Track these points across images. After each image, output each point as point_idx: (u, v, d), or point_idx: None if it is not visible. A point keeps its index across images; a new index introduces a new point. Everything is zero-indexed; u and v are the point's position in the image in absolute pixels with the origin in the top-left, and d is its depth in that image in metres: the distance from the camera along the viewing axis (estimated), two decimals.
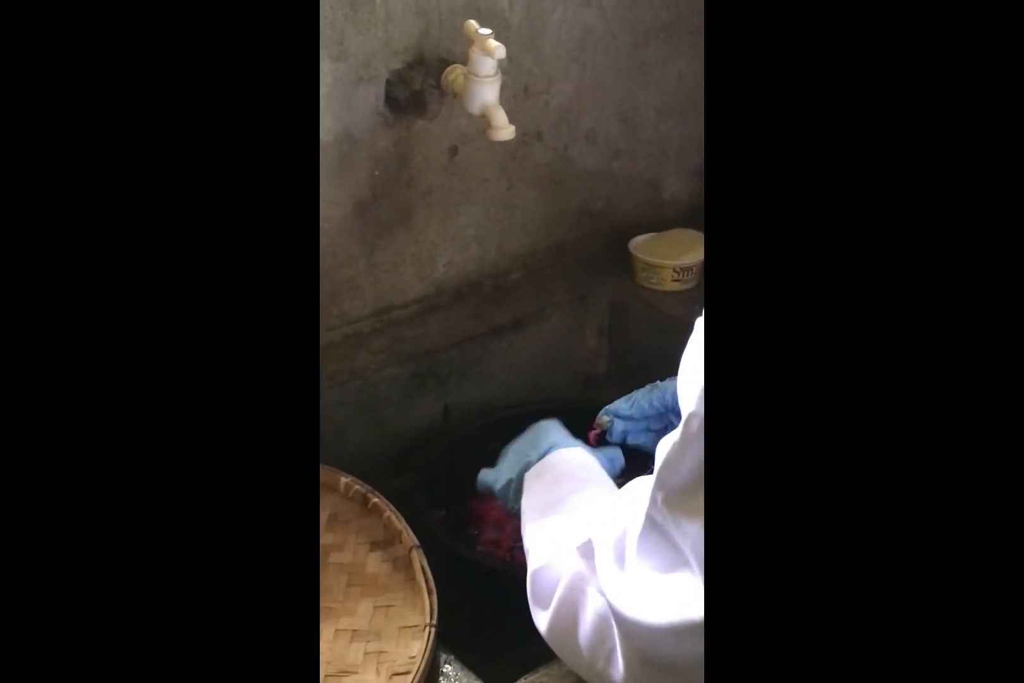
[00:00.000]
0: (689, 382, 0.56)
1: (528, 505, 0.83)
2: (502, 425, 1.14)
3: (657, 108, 1.29)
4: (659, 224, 1.33)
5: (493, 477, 0.94)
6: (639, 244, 1.28)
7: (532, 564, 0.76)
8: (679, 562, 0.59)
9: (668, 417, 0.95)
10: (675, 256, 1.26)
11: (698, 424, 0.55)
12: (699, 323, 0.57)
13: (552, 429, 0.94)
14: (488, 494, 0.97)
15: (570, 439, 0.93)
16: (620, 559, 0.65)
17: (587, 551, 0.69)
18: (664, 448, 0.58)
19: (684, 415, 0.56)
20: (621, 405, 0.96)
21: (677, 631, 0.58)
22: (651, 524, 0.60)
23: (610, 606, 0.64)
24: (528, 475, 0.87)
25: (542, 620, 0.73)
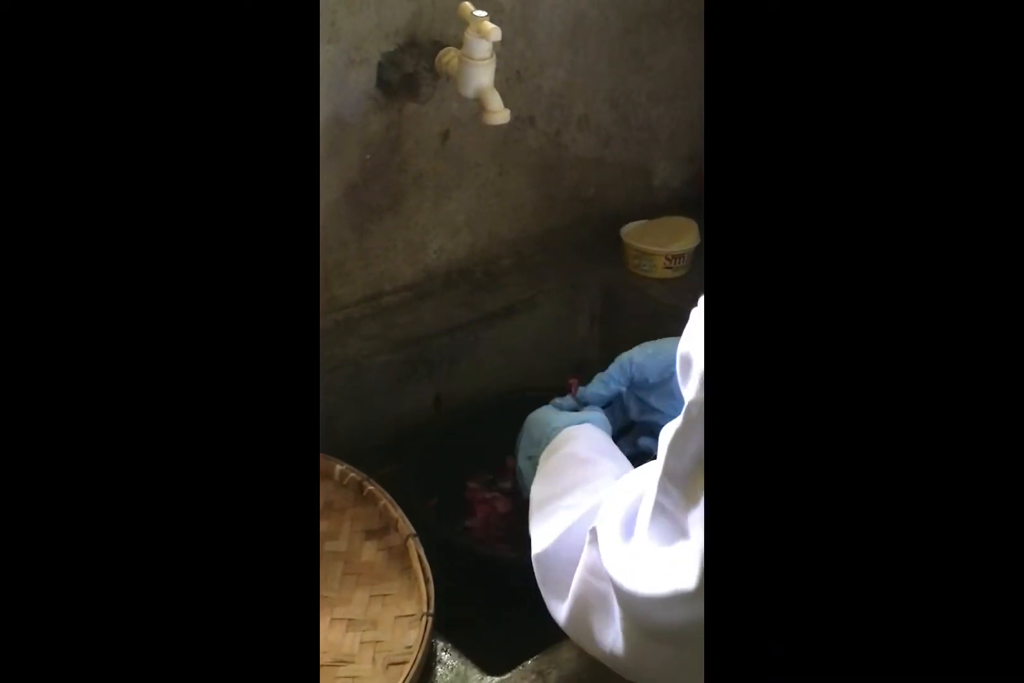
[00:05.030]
0: (687, 370, 0.56)
1: (536, 493, 0.82)
2: (493, 412, 1.14)
3: (649, 94, 1.28)
4: (649, 211, 1.32)
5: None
6: (631, 231, 1.28)
7: (535, 548, 0.76)
8: (684, 541, 0.59)
9: (619, 400, 0.96)
10: (667, 243, 1.25)
11: (698, 411, 0.55)
12: (695, 312, 0.57)
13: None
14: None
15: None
16: (627, 537, 0.65)
17: (595, 539, 0.68)
18: (667, 435, 0.59)
19: (685, 403, 0.56)
20: (589, 394, 0.97)
21: (673, 600, 0.58)
22: (661, 511, 0.60)
23: (612, 581, 0.64)
24: (540, 459, 0.87)
25: (558, 611, 0.73)
